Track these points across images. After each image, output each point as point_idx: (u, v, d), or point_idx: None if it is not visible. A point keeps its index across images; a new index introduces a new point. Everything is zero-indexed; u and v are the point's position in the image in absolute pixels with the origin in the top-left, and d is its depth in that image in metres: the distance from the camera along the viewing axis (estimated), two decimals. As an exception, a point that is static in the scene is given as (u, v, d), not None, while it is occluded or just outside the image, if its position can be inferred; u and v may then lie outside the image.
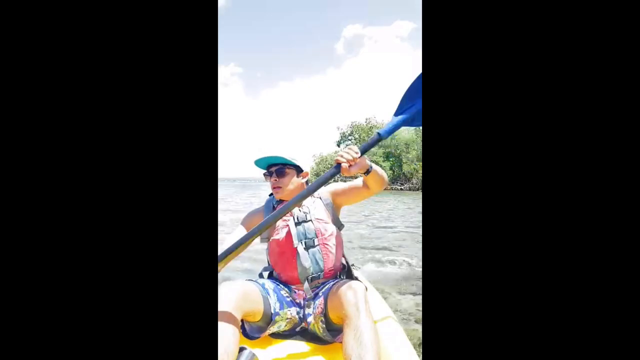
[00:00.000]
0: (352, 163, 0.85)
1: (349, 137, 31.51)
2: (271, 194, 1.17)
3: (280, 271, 1.09)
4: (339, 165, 0.85)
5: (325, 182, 0.86)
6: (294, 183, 1.10)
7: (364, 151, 0.86)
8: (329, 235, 1.08)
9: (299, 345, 1.00)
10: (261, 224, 0.84)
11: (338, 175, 0.88)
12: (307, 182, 1.17)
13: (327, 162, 29.01)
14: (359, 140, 30.59)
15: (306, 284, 1.03)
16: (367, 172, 0.93)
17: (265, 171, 1.13)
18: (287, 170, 1.10)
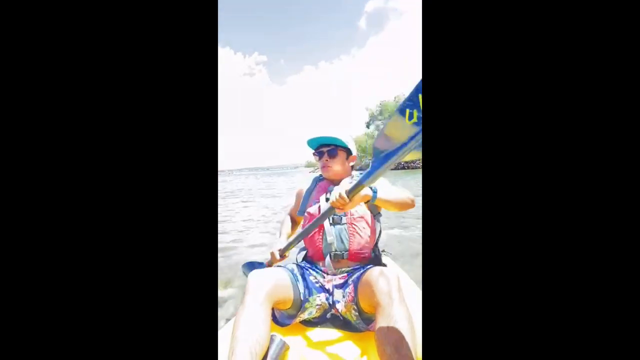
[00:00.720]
0: (343, 208, 0.84)
1: (379, 117, 30.63)
2: (320, 176, 1.25)
3: (309, 245, 1.12)
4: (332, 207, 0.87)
5: (323, 219, 0.94)
6: (342, 165, 1.15)
7: (350, 194, 0.83)
8: (358, 217, 1.07)
9: (331, 333, 0.98)
10: (307, 228, 1.00)
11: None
12: (352, 167, 1.22)
13: (357, 145, 28.57)
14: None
15: (327, 259, 1.03)
16: (372, 200, 0.92)
17: (314, 151, 1.19)
18: (339, 151, 1.14)
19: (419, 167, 25.02)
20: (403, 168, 25.63)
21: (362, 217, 1.07)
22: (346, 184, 0.86)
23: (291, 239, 1.07)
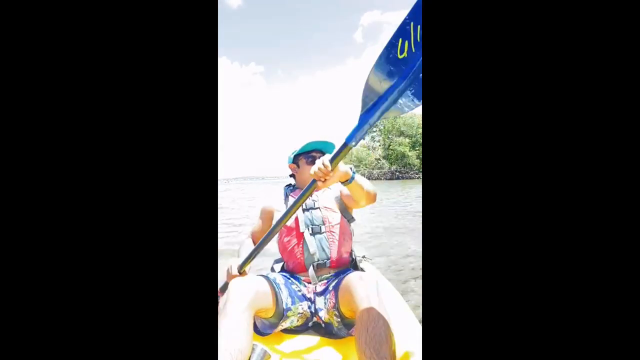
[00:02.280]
0: (325, 177, 0.79)
1: (374, 129, 30.99)
2: (288, 185, 1.22)
3: (288, 258, 1.10)
4: (314, 180, 0.81)
5: (305, 196, 0.83)
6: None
7: (333, 161, 0.77)
8: (335, 224, 1.08)
9: (312, 340, 0.98)
10: (277, 222, 0.90)
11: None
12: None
13: (352, 155, 28.87)
14: (384, 131, 30.00)
15: (311, 270, 1.02)
16: (349, 181, 0.89)
17: (304, 155, 1.14)
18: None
19: (413, 178, 25.19)
20: (397, 178, 25.81)
21: (338, 224, 1.09)
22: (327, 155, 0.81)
23: (255, 247, 0.95)
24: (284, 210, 1.08)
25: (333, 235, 1.08)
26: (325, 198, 1.13)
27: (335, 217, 1.10)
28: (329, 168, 0.77)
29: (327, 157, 0.79)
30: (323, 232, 1.07)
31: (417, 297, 1.80)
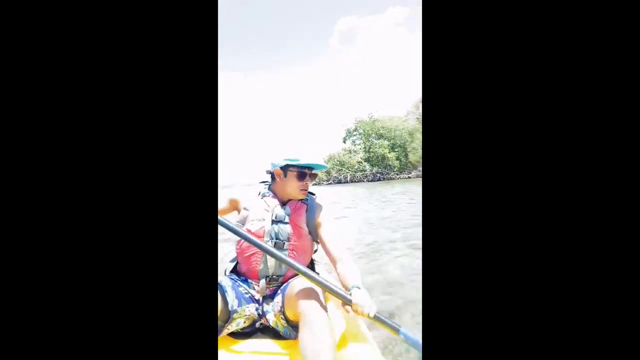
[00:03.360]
0: (355, 313, 0.82)
1: (354, 133, 31.46)
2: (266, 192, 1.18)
3: (243, 262, 1.09)
4: (350, 306, 0.83)
5: (326, 287, 0.85)
6: None
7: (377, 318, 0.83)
8: (301, 244, 1.07)
9: (261, 343, 0.98)
10: (238, 232, 0.90)
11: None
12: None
13: (335, 159, 29.11)
14: (365, 135, 30.47)
15: (262, 282, 1.02)
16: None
17: (301, 171, 1.09)
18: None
19: (394, 178, 25.67)
20: (379, 179, 26.22)
21: (304, 244, 1.09)
22: (374, 308, 0.83)
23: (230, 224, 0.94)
24: (251, 207, 1.10)
25: (294, 254, 1.07)
26: (297, 215, 1.10)
27: (303, 235, 1.09)
28: (366, 316, 0.81)
29: (372, 310, 0.82)
30: (285, 249, 1.05)
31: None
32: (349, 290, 0.87)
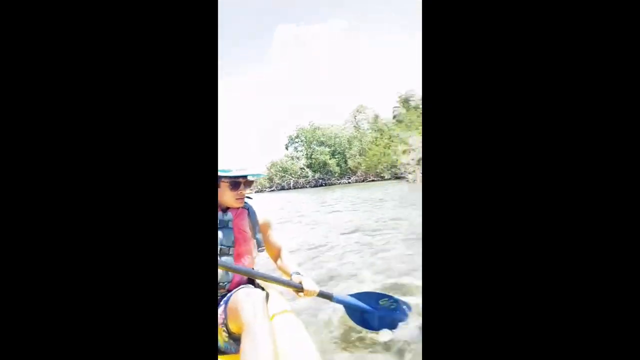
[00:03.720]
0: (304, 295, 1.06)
1: (296, 140, 31.89)
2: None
3: None
4: (300, 290, 1.07)
5: (278, 282, 1.08)
6: None
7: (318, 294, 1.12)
8: (245, 248, 1.09)
9: None
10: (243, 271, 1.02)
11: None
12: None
13: (277, 165, 29.04)
14: (306, 142, 31.07)
15: None
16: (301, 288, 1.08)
17: (234, 181, 1.08)
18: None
19: (335, 184, 26.59)
20: (321, 185, 26.90)
21: (249, 248, 1.11)
22: (315, 286, 1.10)
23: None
24: None
25: (240, 260, 1.07)
26: (241, 219, 1.11)
27: (248, 240, 1.11)
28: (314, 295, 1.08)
29: (313, 288, 1.09)
30: (231, 254, 1.06)
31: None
32: (290, 276, 1.11)
